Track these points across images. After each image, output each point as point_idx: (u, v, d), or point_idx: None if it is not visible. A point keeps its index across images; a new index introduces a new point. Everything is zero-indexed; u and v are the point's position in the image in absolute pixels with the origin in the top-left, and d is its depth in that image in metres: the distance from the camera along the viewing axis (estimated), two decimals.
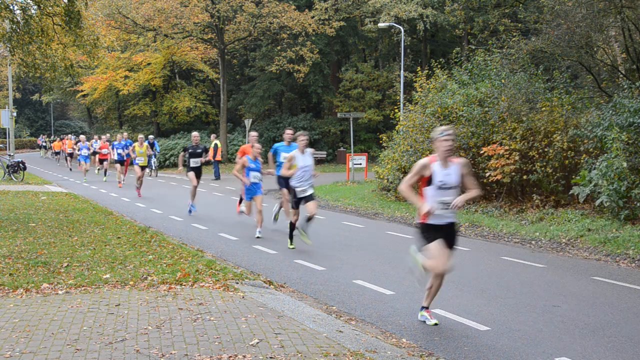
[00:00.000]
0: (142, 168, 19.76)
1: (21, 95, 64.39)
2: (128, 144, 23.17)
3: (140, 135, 20.71)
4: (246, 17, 33.76)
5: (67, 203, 16.02)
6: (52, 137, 58.89)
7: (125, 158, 23.27)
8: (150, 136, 32.55)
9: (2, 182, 22.97)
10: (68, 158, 35.58)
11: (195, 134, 16.07)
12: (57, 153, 40.82)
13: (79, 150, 27.15)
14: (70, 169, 33.64)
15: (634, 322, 6.40)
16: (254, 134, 13.17)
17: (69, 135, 37.56)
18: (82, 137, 25.91)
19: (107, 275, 7.38)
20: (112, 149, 24.52)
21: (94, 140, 32.34)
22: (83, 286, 6.87)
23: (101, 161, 28.09)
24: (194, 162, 15.15)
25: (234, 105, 41.21)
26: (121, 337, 5.12)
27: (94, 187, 22.90)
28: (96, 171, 30.26)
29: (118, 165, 23.12)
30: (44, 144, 52.47)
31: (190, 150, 15.23)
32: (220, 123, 36.74)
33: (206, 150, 16.01)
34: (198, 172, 15.23)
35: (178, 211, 15.46)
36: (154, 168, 29.59)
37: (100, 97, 41.68)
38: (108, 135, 34.62)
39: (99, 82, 38.32)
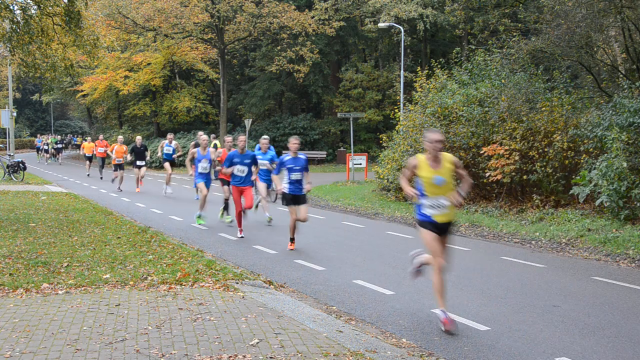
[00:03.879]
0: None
1: (21, 95, 64.49)
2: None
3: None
4: (246, 17, 33.77)
5: (67, 203, 16.01)
6: (59, 136, 51.97)
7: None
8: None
9: (2, 182, 22.97)
10: (89, 162, 30.23)
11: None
12: (88, 158, 30.22)
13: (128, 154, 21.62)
14: (101, 177, 26.97)
15: (634, 322, 6.40)
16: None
17: (101, 136, 29.22)
18: (138, 138, 20.83)
19: (107, 275, 7.38)
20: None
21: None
22: (83, 286, 6.87)
23: (102, 159, 27.30)
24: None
25: (234, 105, 41.21)
26: (121, 337, 5.12)
27: (94, 187, 22.89)
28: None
29: (137, 170, 20.43)
30: (45, 146, 43.87)
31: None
32: (220, 123, 36.75)
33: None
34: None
35: (178, 211, 15.46)
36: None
37: (100, 97, 41.69)
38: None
39: (99, 82, 38.33)
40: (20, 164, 24.54)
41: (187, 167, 13.91)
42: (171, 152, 20.31)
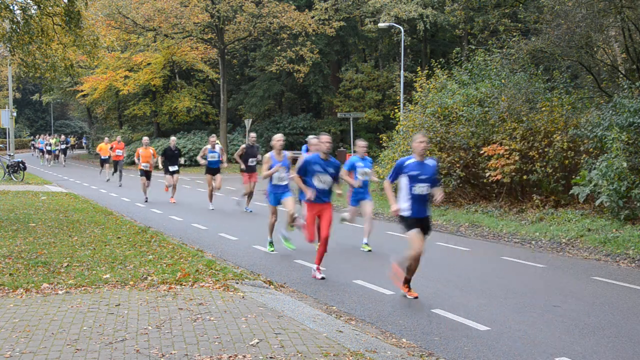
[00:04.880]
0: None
1: (21, 95, 64.44)
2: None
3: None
4: (246, 17, 33.77)
5: (67, 203, 16.01)
6: (63, 135, 47.52)
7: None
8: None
9: (2, 182, 22.97)
10: (106, 166, 26.95)
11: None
12: (104, 161, 26.71)
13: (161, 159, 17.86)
14: (120, 185, 23.47)
15: (634, 322, 6.40)
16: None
17: (118, 137, 26.12)
18: (172, 139, 17.94)
19: (107, 275, 7.38)
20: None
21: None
22: (83, 286, 6.87)
23: (115, 163, 24.51)
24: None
25: (234, 105, 41.21)
26: (121, 337, 5.12)
27: (94, 187, 22.89)
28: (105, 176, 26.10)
29: (169, 176, 17.53)
30: (47, 147, 40.13)
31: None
32: (220, 123, 36.74)
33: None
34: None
35: (178, 211, 15.46)
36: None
37: (100, 97, 41.67)
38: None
39: (99, 82, 38.32)
40: (20, 164, 24.55)
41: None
42: (217, 159, 16.02)
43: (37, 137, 58.79)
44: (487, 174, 14.17)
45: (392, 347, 5.52)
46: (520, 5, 21.75)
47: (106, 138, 27.80)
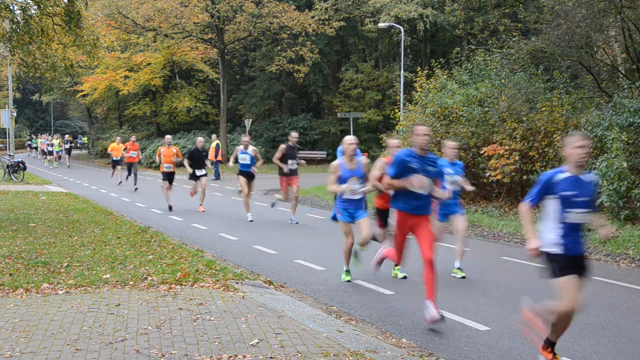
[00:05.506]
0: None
1: (21, 95, 64.46)
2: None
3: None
4: (246, 17, 33.77)
5: (67, 203, 16.01)
6: (67, 135, 45.37)
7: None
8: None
9: (2, 182, 22.97)
10: (118, 168, 24.01)
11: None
12: (116, 163, 24.15)
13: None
14: (136, 189, 21.38)
15: (634, 322, 6.40)
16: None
17: (133, 137, 23.50)
18: (199, 140, 15.95)
19: (107, 275, 7.38)
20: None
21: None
22: (83, 286, 6.87)
23: (130, 166, 22.24)
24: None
25: (234, 105, 41.21)
26: (121, 337, 5.12)
27: (94, 187, 22.89)
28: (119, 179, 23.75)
29: (194, 181, 16.02)
30: (49, 147, 37.85)
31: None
32: (220, 123, 36.75)
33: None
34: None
35: (178, 211, 15.46)
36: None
37: (100, 97, 41.67)
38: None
39: (99, 82, 38.32)
40: (20, 164, 24.56)
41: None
42: (249, 162, 14.16)
43: (34, 137, 58.54)
44: (487, 174, 14.18)
45: (392, 347, 5.52)
46: (520, 5, 21.76)
47: (118, 138, 25.11)
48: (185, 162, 15.75)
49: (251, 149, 14.18)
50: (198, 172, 15.59)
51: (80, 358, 4.63)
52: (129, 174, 22.31)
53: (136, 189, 21.25)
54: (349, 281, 8.13)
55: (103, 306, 6.03)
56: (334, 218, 8.38)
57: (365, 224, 7.98)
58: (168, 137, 17.05)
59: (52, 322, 5.48)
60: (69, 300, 6.26)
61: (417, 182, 6.24)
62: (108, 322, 5.51)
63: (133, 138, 23.06)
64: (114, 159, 24.21)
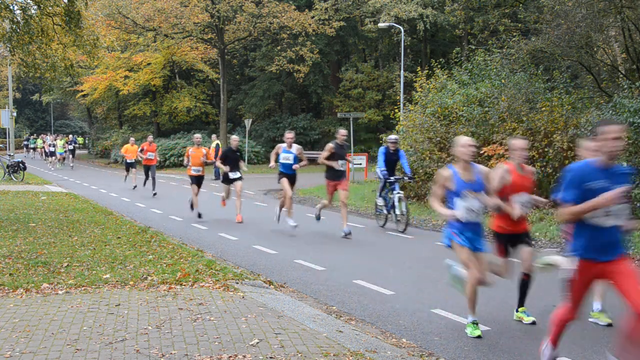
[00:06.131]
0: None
1: (21, 95, 64.46)
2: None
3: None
4: (246, 17, 33.78)
5: (67, 203, 16.01)
6: (70, 135, 42.94)
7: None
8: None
9: (2, 182, 22.97)
10: (133, 170, 22.18)
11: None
12: (130, 165, 22.24)
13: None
14: (155, 194, 19.31)
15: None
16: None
17: (150, 137, 21.45)
18: (234, 138, 13.95)
19: (107, 275, 7.38)
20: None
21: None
22: (83, 286, 6.87)
23: (147, 169, 19.95)
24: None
25: (234, 105, 41.22)
26: (121, 337, 5.12)
27: (94, 187, 22.89)
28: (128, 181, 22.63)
29: (226, 185, 14.13)
30: (51, 148, 36.33)
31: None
32: (220, 123, 36.77)
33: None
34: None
35: (178, 211, 15.45)
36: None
37: (100, 97, 41.69)
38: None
39: (99, 82, 38.33)
40: (20, 164, 24.57)
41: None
42: (292, 162, 12.37)
43: (32, 137, 58.12)
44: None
45: (392, 347, 5.52)
46: (520, 5, 21.76)
47: (132, 138, 23.26)
48: (219, 163, 14.04)
49: (295, 147, 12.44)
50: (232, 175, 13.73)
51: (80, 358, 4.63)
52: (147, 177, 20.13)
53: (155, 194, 19.23)
54: (479, 337, 5.84)
55: (103, 306, 6.03)
56: (448, 243, 6.16)
57: (503, 265, 6.42)
58: (197, 136, 14.69)
59: (52, 322, 5.48)
60: (69, 300, 6.26)
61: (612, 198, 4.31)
62: (108, 322, 5.51)
63: (150, 138, 21.07)
64: (127, 161, 22.16)
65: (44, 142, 44.41)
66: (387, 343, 5.64)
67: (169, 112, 39.58)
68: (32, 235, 10.34)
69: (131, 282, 7.10)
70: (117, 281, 7.13)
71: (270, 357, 4.72)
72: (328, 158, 12.02)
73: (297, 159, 12.43)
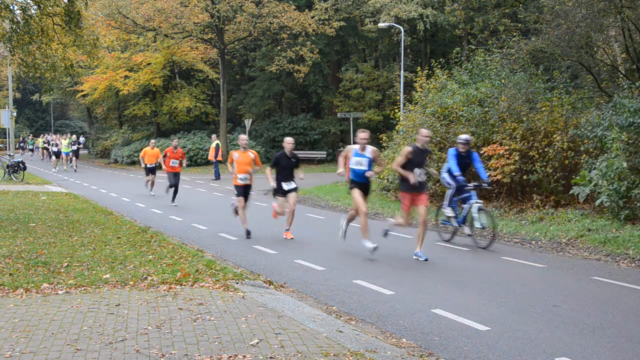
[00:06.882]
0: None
1: (21, 95, 64.47)
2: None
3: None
4: (246, 17, 33.77)
5: (67, 203, 16.02)
6: (74, 135, 40.29)
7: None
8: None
9: (2, 182, 22.97)
10: (152, 177, 20.05)
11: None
12: (150, 171, 19.94)
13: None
14: (175, 205, 17.10)
15: (634, 322, 6.40)
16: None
17: (175, 141, 19.02)
18: (288, 140, 11.66)
19: (107, 275, 7.38)
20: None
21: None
22: (83, 286, 6.87)
23: (174, 175, 17.39)
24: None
25: (234, 105, 41.22)
26: (121, 337, 5.12)
27: (94, 187, 22.89)
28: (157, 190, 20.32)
29: (280, 197, 11.58)
30: (54, 148, 34.69)
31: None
32: (220, 123, 36.75)
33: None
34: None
35: (178, 211, 15.46)
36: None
37: (100, 97, 41.65)
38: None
39: (99, 82, 38.31)
40: (20, 164, 24.57)
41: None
42: (366, 168, 9.97)
43: (31, 138, 57.78)
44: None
45: (392, 347, 5.52)
46: (520, 5, 21.76)
47: (152, 141, 21.30)
48: (268, 172, 11.60)
49: (370, 149, 9.97)
50: (286, 186, 11.39)
51: (80, 358, 4.63)
52: (170, 185, 17.36)
53: (174, 205, 16.95)
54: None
55: (103, 306, 6.04)
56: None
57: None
58: (243, 136, 12.20)
59: (52, 322, 5.48)
60: (69, 300, 6.26)
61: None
62: (108, 322, 5.51)
63: (175, 142, 18.41)
64: (147, 166, 19.78)
65: (45, 142, 43.47)
66: (387, 343, 5.64)
67: (169, 112, 39.56)
68: (32, 235, 10.34)
69: (131, 282, 7.10)
70: (117, 281, 7.13)
71: (270, 357, 4.72)
72: (404, 166, 9.61)
73: (372, 164, 10.01)
